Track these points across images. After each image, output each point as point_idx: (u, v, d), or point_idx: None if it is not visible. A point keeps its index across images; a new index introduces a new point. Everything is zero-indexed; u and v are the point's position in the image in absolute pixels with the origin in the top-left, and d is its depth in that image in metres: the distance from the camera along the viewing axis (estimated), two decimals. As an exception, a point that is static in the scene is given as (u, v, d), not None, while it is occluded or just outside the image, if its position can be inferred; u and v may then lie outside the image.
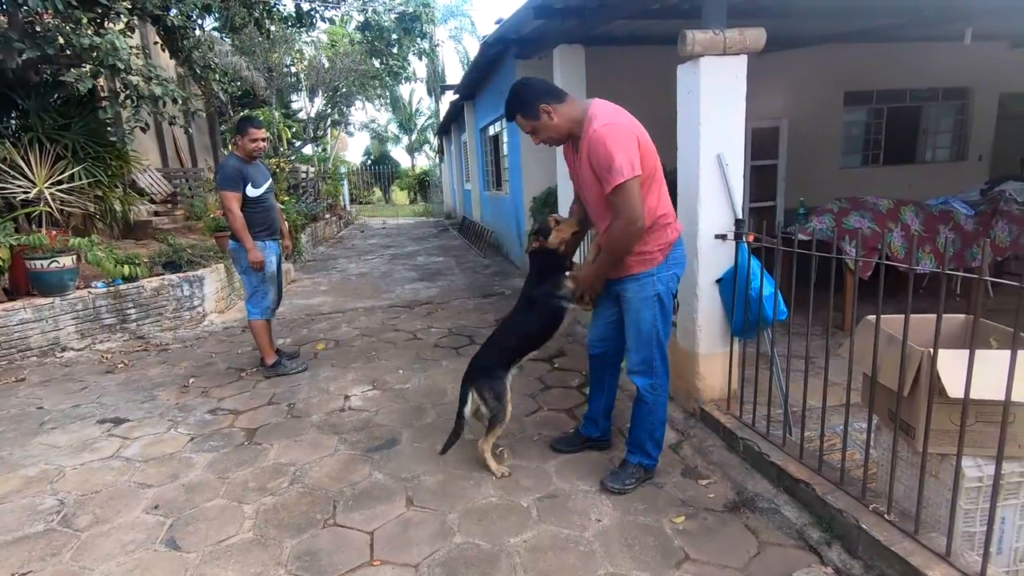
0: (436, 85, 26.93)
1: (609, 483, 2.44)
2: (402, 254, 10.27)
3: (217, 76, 6.97)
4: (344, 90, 12.54)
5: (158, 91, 5.14)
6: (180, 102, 5.80)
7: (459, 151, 14.64)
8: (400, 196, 30.86)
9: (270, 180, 4.00)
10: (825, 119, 7.42)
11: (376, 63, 11.12)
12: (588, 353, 2.73)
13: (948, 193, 5.63)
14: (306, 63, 13.41)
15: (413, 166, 32.78)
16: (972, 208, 5.58)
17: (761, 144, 6.79)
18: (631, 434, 2.52)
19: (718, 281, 2.86)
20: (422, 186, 27.96)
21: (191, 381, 3.99)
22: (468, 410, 2.62)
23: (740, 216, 2.78)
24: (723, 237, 2.80)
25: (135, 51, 5.62)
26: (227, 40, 10.93)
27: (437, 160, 24.31)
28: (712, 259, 2.83)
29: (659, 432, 2.49)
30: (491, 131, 9.53)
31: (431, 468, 2.70)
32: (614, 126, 2.07)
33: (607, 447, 2.84)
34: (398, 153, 34.27)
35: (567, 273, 2.54)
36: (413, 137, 32.23)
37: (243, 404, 3.56)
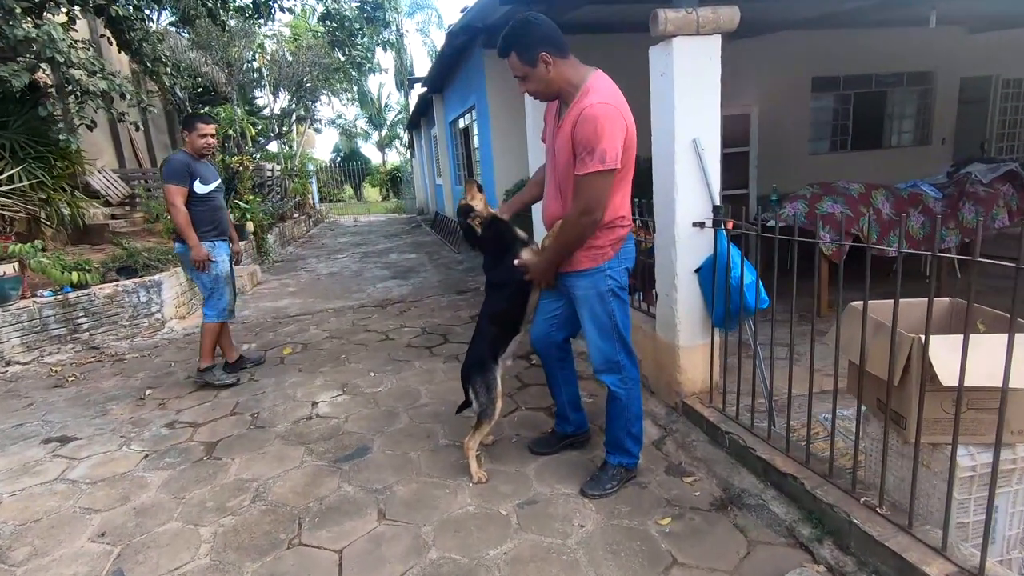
0: (405, 79, 26.55)
1: (589, 490, 2.33)
2: (374, 252, 10.02)
3: (168, 70, 6.62)
4: (309, 84, 12.16)
5: (103, 86, 4.82)
6: (130, 97, 5.47)
7: (429, 145, 14.39)
8: (371, 193, 30.35)
9: (219, 180, 3.82)
10: (793, 105, 7.44)
11: (339, 55, 10.80)
12: (532, 348, 2.59)
13: (914, 177, 5.69)
14: (268, 58, 12.98)
15: (384, 162, 32.26)
16: (940, 191, 5.64)
17: (732, 132, 6.74)
18: (608, 433, 2.40)
19: (697, 271, 2.77)
20: (394, 182, 27.53)
21: (148, 393, 3.76)
22: (475, 405, 2.50)
23: (717, 203, 2.69)
24: (701, 225, 2.70)
25: (79, 44, 5.29)
26: (184, 35, 10.48)
27: (408, 155, 23.96)
28: (690, 248, 2.74)
29: (636, 427, 2.39)
30: (461, 124, 9.34)
31: (404, 477, 2.55)
32: (611, 108, 1.92)
33: (587, 441, 2.74)
34: (368, 150, 33.72)
35: (522, 239, 2.44)
36: (383, 133, 31.70)
37: (203, 416, 3.35)
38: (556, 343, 2.50)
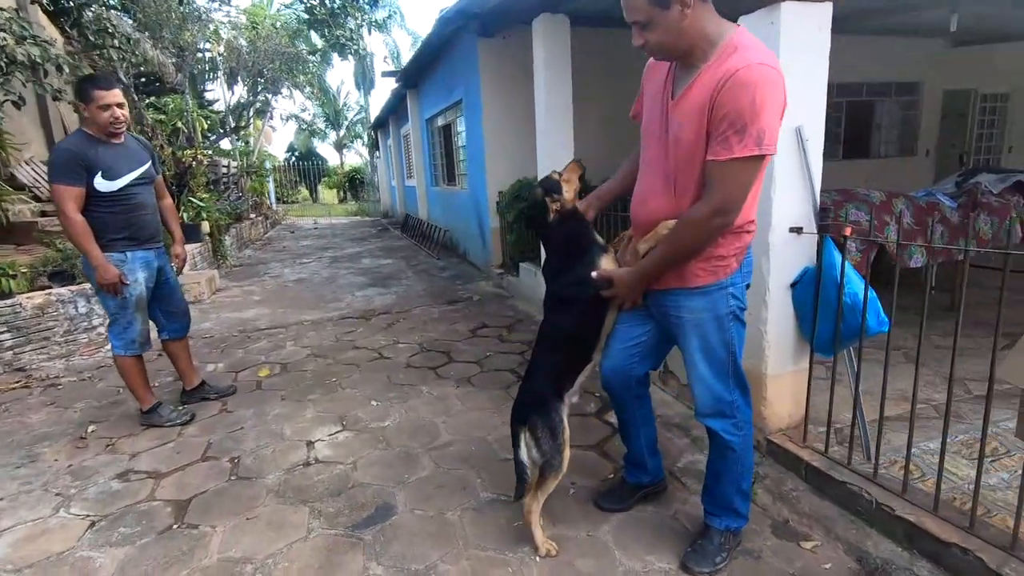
0: (366, 77, 25.63)
1: (696, 566, 1.82)
2: (343, 256, 9.28)
3: (117, 43, 5.75)
4: (269, 75, 11.28)
5: (36, 53, 4.01)
6: (68, 72, 4.64)
7: (399, 145, 13.69)
8: (328, 195, 29.13)
9: (146, 166, 2.90)
10: (791, 111, 7.24)
11: (317, 38, 10.01)
12: (603, 386, 2.05)
13: (899, 186, 5.53)
14: (223, 45, 12.00)
15: (342, 163, 31.09)
16: (953, 200, 5.50)
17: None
18: (712, 493, 1.91)
19: (793, 285, 2.33)
20: (352, 184, 26.49)
21: (91, 429, 3.02)
22: (524, 454, 1.94)
23: (819, 204, 2.26)
24: (799, 230, 2.27)
25: (3, 9, 4.43)
26: (126, 19, 9.45)
27: (370, 156, 23.05)
28: (785, 258, 2.30)
29: (747, 482, 1.91)
30: (440, 121, 8.75)
31: (448, 550, 1.98)
32: (775, 73, 1.44)
33: (663, 491, 2.25)
34: (325, 150, 32.44)
35: (601, 245, 1.91)
36: (341, 133, 30.56)
37: (166, 461, 2.67)
38: (637, 378, 2.00)
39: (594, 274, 1.81)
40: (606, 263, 1.83)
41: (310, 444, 2.79)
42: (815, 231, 2.26)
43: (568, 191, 1.89)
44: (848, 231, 2.09)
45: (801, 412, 2.42)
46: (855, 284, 2.13)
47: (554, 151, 4.47)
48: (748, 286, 1.78)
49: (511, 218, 5.63)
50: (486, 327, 4.78)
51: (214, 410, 3.24)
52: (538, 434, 1.91)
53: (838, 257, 2.14)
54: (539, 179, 2.22)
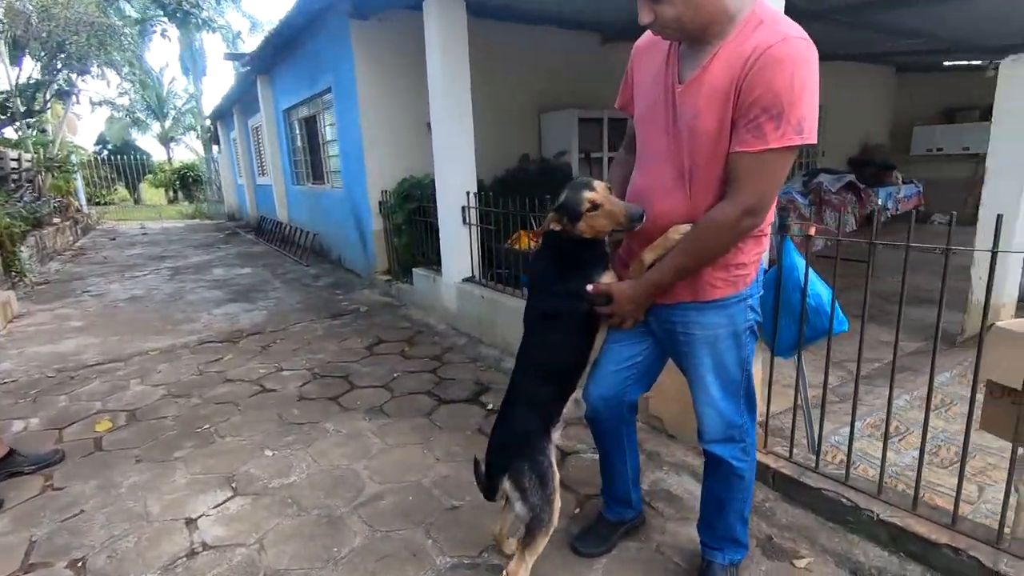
0: (196, 61, 22.65)
1: (708, 612, 1.63)
2: (188, 267, 7.92)
3: None
4: (74, 50, 9.28)
5: None
6: None
7: (247, 139, 12.18)
8: (154, 195, 25.29)
9: None
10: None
11: (130, 8, 8.36)
12: (587, 416, 1.79)
13: (789, 184, 6.12)
14: (1, 10, 9.63)
15: (170, 159, 27.22)
16: (804, 197, 6.15)
17: (616, 135, 6.62)
18: (713, 526, 1.72)
19: (751, 288, 2.24)
20: (185, 183, 23.27)
21: None
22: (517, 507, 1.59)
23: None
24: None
25: None
26: None
27: (207, 151, 20.42)
28: (744, 260, 2.20)
29: (749, 508, 1.76)
30: (303, 112, 7.84)
31: (417, 649, 1.55)
32: (811, 50, 1.23)
33: (642, 524, 2.03)
34: (148, 143, 28.16)
35: (602, 258, 1.57)
36: (168, 124, 26.73)
37: (-37, 581, 1.85)
38: (629, 404, 1.75)
39: (589, 287, 1.51)
40: (607, 277, 1.54)
41: (191, 523, 2.13)
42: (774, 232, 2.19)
43: (586, 226, 1.49)
44: (813, 230, 2.04)
45: (760, 417, 2.35)
46: (816, 285, 2.09)
47: (453, 146, 4.10)
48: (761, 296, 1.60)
49: (400, 220, 5.13)
50: (383, 342, 4.26)
51: (33, 489, 2.38)
52: (524, 483, 1.58)
53: (799, 258, 2.09)
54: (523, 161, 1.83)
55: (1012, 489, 1.67)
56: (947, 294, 1.75)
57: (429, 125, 5.53)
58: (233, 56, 9.66)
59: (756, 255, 1.48)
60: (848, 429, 2.46)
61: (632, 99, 1.59)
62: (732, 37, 1.28)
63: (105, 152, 24.94)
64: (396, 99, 5.55)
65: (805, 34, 1.25)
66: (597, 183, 1.48)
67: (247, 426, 2.91)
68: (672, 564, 1.87)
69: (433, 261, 4.92)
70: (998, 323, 1.67)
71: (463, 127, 4.10)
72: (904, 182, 7.78)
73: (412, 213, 5.04)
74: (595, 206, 1.45)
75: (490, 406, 3.07)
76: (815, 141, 1.25)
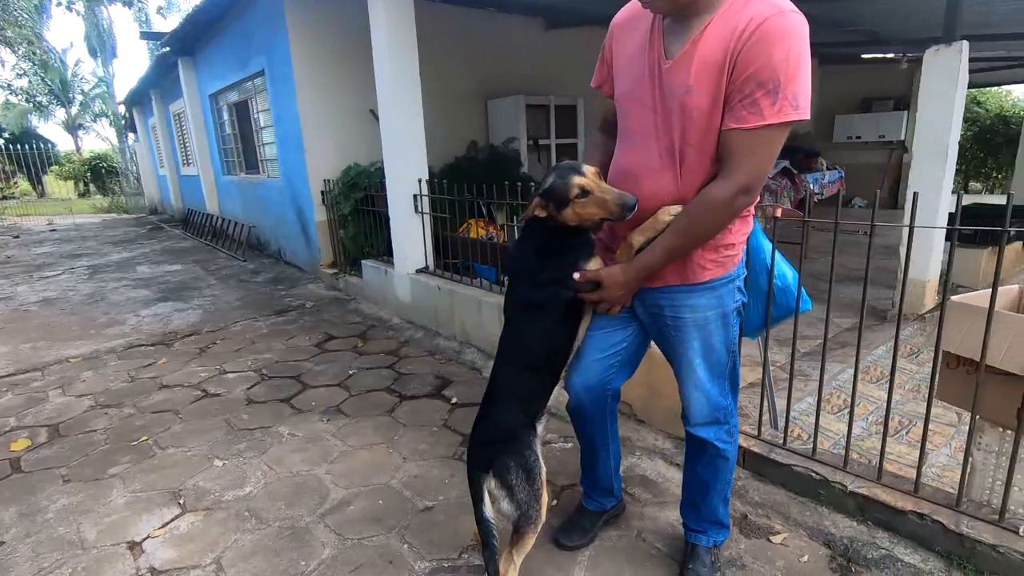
0: (104, 41, 20.88)
1: (699, 598, 1.63)
2: (108, 264, 7.30)
3: None
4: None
5: None
6: None
7: (168, 126, 11.35)
8: (61, 188, 23.19)
9: None
10: (604, 99, 7.66)
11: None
12: (570, 407, 1.74)
13: None
14: None
15: (79, 148, 25.06)
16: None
17: (563, 122, 6.61)
18: (697, 509, 1.72)
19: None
20: (97, 174, 21.48)
21: None
22: (490, 510, 1.51)
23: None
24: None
25: None
26: None
27: (121, 140, 18.90)
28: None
29: (730, 489, 1.77)
30: (232, 97, 7.35)
31: (404, 663, 1.46)
32: (804, 24, 1.20)
33: (622, 512, 2.01)
34: (52, 131, 25.76)
35: (588, 244, 1.50)
36: (74, 110, 24.57)
37: None
38: (613, 392, 1.71)
39: (576, 276, 1.44)
40: (594, 264, 1.47)
41: (135, 547, 1.92)
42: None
43: (572, 214, 1.41)
44: (779, 212, 2.07)
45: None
46: (781, 266, 2.12)
47: (403, 132, 3.93)
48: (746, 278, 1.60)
49: (347, 210, 4.90)
50: (334, 338, 4.06)
51: (-59, 521, 2.09)
52: (511, 480, 1.51)
53: (765, 240, 2.12)
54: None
55: (969, 454, 1.76)
56: (878, 273, 1.83)
57: (373, 111, 5.34)
58: (150, 35, 8.93)
59: (743, 235, 1.47)
60: (802, 405, 2.56)
61: (610, 77, 1.53)
62: (723, 9, 1.24)
63: (0, 141, 22.60)
64: (337, 83, 5.28)
65: (797, 10, 1.23)
66: (586, 167, 1.40)
67: (191, 435, 2.68)
68: (654, 550, 1.86)
69: (383, 252, 4.75)
70: (954, 297, 1.75)
71: (413, 112, 3.93)
72: (828, 168, 8.23)
73: (359, 203, 4.83)
74: (584, 192, 1.37)
75: (454, 400, 2.98)
76: (809, 117, 1.24)
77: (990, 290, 1.84)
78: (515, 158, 6.06)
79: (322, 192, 5.34)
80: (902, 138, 11.13)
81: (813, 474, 2.02)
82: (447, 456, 2.45)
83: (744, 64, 1.19)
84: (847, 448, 2.00)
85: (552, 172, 1.42)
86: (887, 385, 1.92)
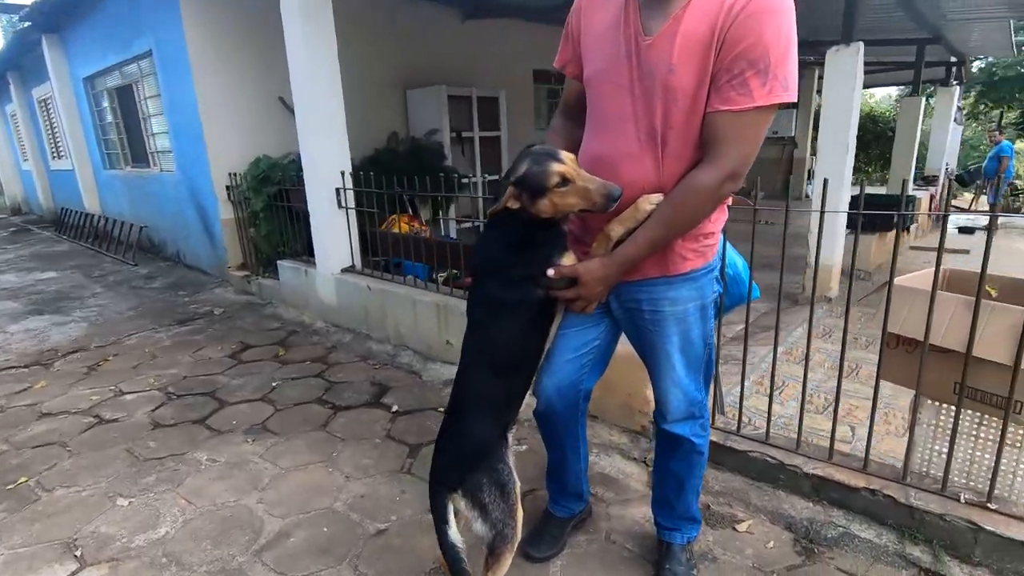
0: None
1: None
2: (-39, 274, 6.24)
3: None
4: None
5: None
6: None
7: (31, 113, 9.95)
8: None
9: None
10: (523, 93, 7.63)
11: None
12: (539, 411, 1.62)
13: None
14: None
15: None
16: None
17: (485, 114, 6.47)
18: (672, 507, 1.67)
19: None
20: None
21: None
22: (454, 534, 1.37)
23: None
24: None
25: None
26: None
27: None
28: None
29: (701, 482, 1.74)
30: (113, 81, 6.52)
31: None
32: (791, 3, 1.14)
33: (589, 515, 1.94)
34: None
35: (561, 238, 1.37)
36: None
37: None
38: (585, 393, 1.62)
39: (551, 272, 1.32)
40: (568, 260, 1.35)
41: (22, 616, 1.58)
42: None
43: (548, 206, 1.27)
44: (730, 200, 2.07)
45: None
46: (732, 255, 2.14)
47: (323, 121, 3.62)
48: None
49: (258, 206, 4.48)
50: (250, 347, 3.69)
51: None
52: (484, 498, 1.37)
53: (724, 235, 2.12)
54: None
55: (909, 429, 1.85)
56: (787, 260, 1.92)
57: (283, 99, 4.94)
58: (5, 7, 7.74)
59: (721, 224, 1.42)
60: (737, 390, 2.60)
61: (575, 56, 1.42)
62: None
63: None
64: (240, 67, 4.81)
65: None
66: (563, 153, 1.27)
67: (85, 472, 2.29)
68: (626, 551, 1.80)
69: (302, 252, 4.39)
70: (898, 280, 1.82)
71: (333, 99, 3.63)
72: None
73: (272, 198, 4.43)
74: (565, 181, 1.24)
75: (395, 408, 2.78)
76: (796, 98, 1.19)
77: (926, 272, 1.94)
78: (438, 151, 5.86)
79: (228, 187, 4.86)
80: (792, 134, 12.08)
81: (769, 459, 2.05)
82: (395, 470, 2.26)
83: (733, 41, 1.13)
84: (799, 431, 2.04)
85: (525, 158, 1.29)
86: (814, 365, 2.00)
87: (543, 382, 1.54)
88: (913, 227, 7.26)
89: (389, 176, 3.52)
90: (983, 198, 11.23)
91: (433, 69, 6.14)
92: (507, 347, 1.41)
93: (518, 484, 1.44)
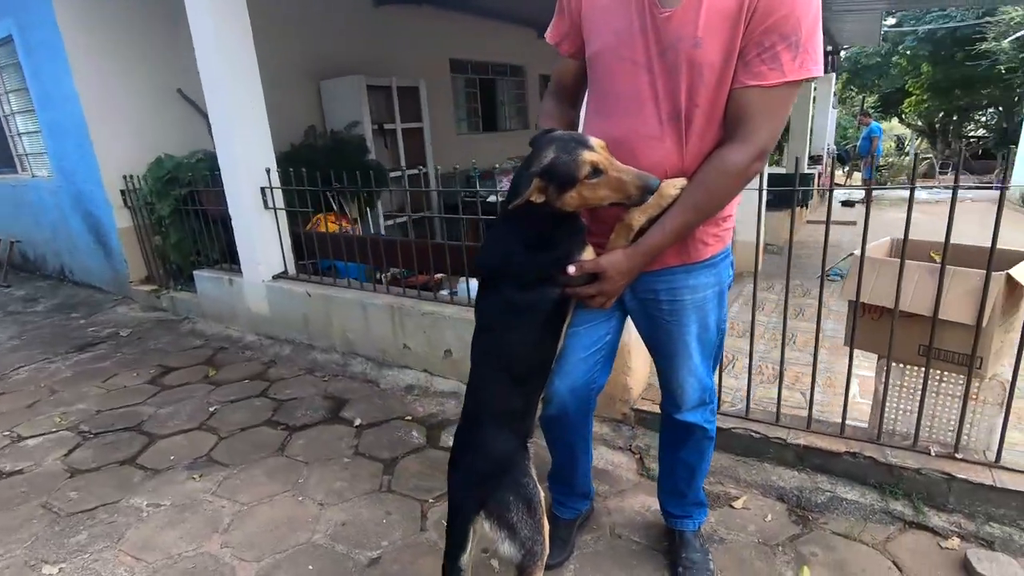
0: None
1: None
2: None
3: None
4: None
5: None
6: None
7: None
8: None
9: None
10: (441, 83, 7.43)
11: None
12: (551, 414, 1.52)
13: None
14: None
15: None
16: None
17: (406, 105, 6.21)
18: (683, 495, 1.65)
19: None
20: None
21: None
22: (466, 559, 1.27)
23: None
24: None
25: None
26: None
27: None
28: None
29: (709, 466, 1.73)
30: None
31: None
32: None
33: (591, 514, 1.89)
34: None
35: (580, 232, 1.27)
36: None
37: None
38: (597, 391, 1.54)
39: (571, 269, 1.22)
40: (588, 254, 1.26)
41: None
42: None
43: (576, 198, 1.17)
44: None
45: (653, 371, 2.40)
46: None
47: (241, 114, 3.27)
48: None
49: (166, 211, 3.99)
50: (173, 370, 3.30)
51: None
52: (511, 518, 1.27)
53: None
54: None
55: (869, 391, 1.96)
56: None
57: (181, 91, 4.43)
58: None
59: (736, 205, 1.39)
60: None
61: (572, 32, 1.33)
62: None
63: None
64: (128, 57, 4.25)
65: None
66: (594, 140, 1.17)
67: (-8, 538, 1.91)
68: (634, 544, 1.77)
69: (220, 259, 3.97)
70: (868, 254, 1.91)
71: (250, 89, 3.28)
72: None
73: (181, 201, 3.96)
74: (596, 171, 1.14)
75: (358, 422, 2.58)
76: (818, 75, 1.17)
77: (887, 242, 2.06)
78: (360, 144, 5.54)
79: (123, 191, 4.29)
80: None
81: (753, 433, 2.10)
82: (373, 490, 2.08)
83: (765, 13, 1.08)
84: (779, 403, 2.11)
85: (550, 145, 1.17)
86: (756, 338, 2.11)
87: (555, 384, 1.45)
88: (810, 203, 7.91)
89: (311, 172, 3.25)
90: (856, 174, 12.52)
91: (347, 58, 5.79)
92: (525, 351, 1.30)
93: (542, 495, 1.34)
